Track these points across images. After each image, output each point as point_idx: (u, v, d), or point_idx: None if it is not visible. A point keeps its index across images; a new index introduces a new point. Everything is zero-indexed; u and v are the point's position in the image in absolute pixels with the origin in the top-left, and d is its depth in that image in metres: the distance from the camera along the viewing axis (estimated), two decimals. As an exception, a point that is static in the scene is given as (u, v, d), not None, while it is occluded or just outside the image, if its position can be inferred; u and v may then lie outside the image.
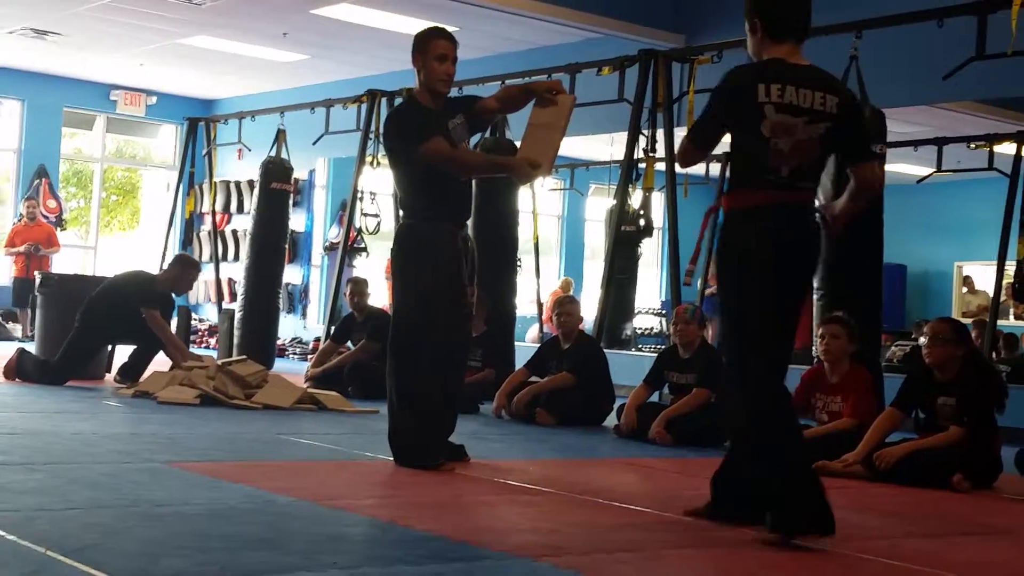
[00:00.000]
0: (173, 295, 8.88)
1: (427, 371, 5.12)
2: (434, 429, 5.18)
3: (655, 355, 8.26)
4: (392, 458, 5.20)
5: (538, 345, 9.16)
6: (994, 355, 10.82)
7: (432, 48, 5.15)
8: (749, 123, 3.88)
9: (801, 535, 3.79)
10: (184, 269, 8.88)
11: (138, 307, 8.37)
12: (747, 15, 4.06)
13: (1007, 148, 10.40)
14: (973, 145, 10.64)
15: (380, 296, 14.20)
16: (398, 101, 11.02)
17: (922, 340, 5.99)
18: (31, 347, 9.36)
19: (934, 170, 10.89)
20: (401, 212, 5.40)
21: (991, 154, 10.49)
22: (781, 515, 3.80)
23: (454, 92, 9.41)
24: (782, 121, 3.85)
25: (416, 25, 11.80)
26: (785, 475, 3.85)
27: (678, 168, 9.27)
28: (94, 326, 8.48)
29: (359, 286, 9.63)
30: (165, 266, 12.86)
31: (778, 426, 3.93)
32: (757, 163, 3.90)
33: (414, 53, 5.19)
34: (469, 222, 5.51)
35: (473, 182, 5.46)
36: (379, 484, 4.88)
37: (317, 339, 13.25)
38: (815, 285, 7.50)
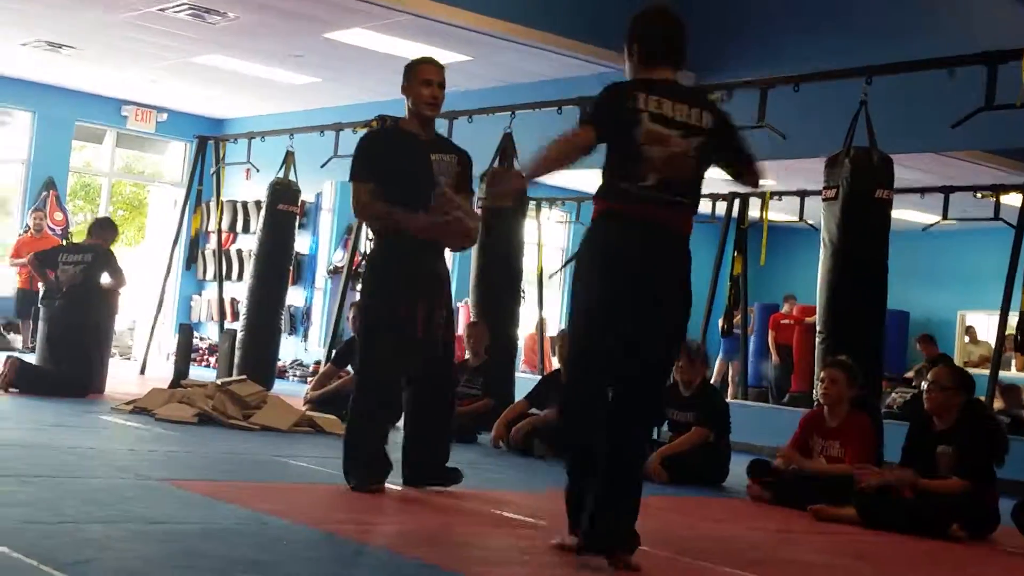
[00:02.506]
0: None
1: (369, 392, 5.13)
2: (365, 449, 5.11)
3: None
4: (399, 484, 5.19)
5: (539, 377, 9.16)
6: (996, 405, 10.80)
7: (418, 73, 5.21)
8: (624, 129, 3.90)
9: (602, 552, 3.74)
10: (103, 232, 9.43)
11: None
12: (626, 40, 4.13)
13: (1013, 199, 10.39)
14: (979, 195, 10.64)
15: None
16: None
17: (923, 385, 5.98)
18: (31, 358, 9.36)
19: (940, 218, 10.90)
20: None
21: (997, 204, 10.49)
22: (589, 531, 3.76)
23: (464, 122, 9.50)
24: (656, 131, 3.88)
25: (428, 53, 11.85)
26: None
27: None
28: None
29: (362, 311, 9.63)
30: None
31: (585, 431, 3.94)
32: (626, 170, 3.92)
33: (403, 82, 5.24)
34: (474, 251, 5.49)
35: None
36: (373, 510, 4.86)
37: (317, 362, 13.23)
38: (819, 328, 7.50)
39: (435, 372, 5.25)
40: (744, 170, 4.15)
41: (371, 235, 5.32)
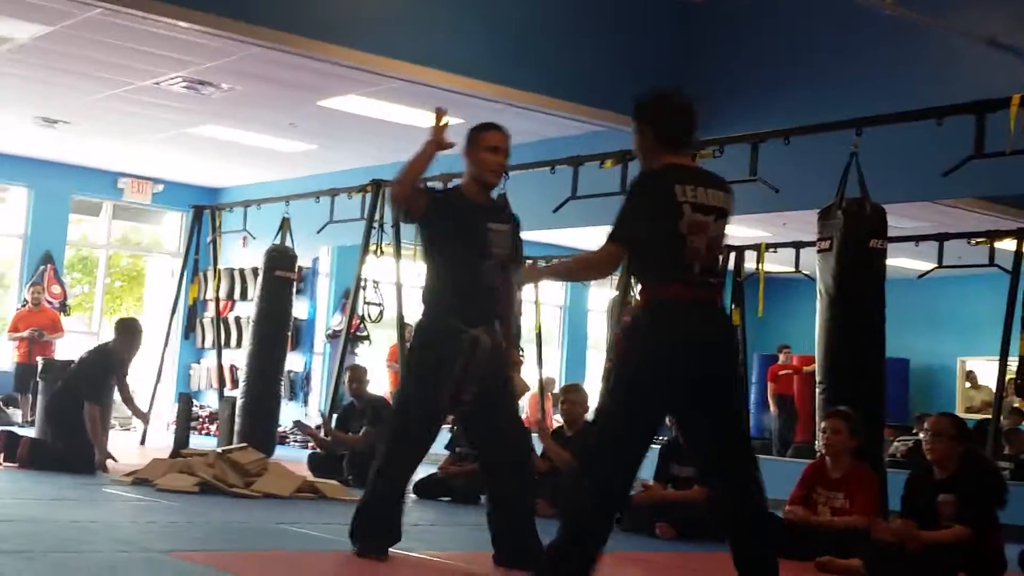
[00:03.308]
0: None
1: (392, 463, 5.10)
2: (380, 516, 5.10)
3: (658, 447, 8.22)
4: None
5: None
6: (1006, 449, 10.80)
7: (483, 139, 5.17)
8: (668, 222, 4.05)
9: None
10: (133, 337, 8.94)
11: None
12: (641, 120, 4.28)
13: (1008, 244, 10.43)
14: (974, 241, 10.68)
15: (380, 383, 14.16)
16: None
17: (922, 435, 5.97)
18: (30, 432, 9.34)
19: (935, 265, 10.92)
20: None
21: (992, 250, 10.52)
22: None
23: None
24: (697, 220, 4.06)
25: (421, 117, 11.95)
26: None
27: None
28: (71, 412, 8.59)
29: (358, 373, 9.63)
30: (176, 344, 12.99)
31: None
32: (673, 260, 4.06)
33: (465, 146, 5.19)
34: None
35: (504, 284, 5.18)
36: (378, 576, 4.84)
37: (318, 427, 13.18)
38: (819, 379, 7.50)
39: (506, 449, 5.14)
40: None
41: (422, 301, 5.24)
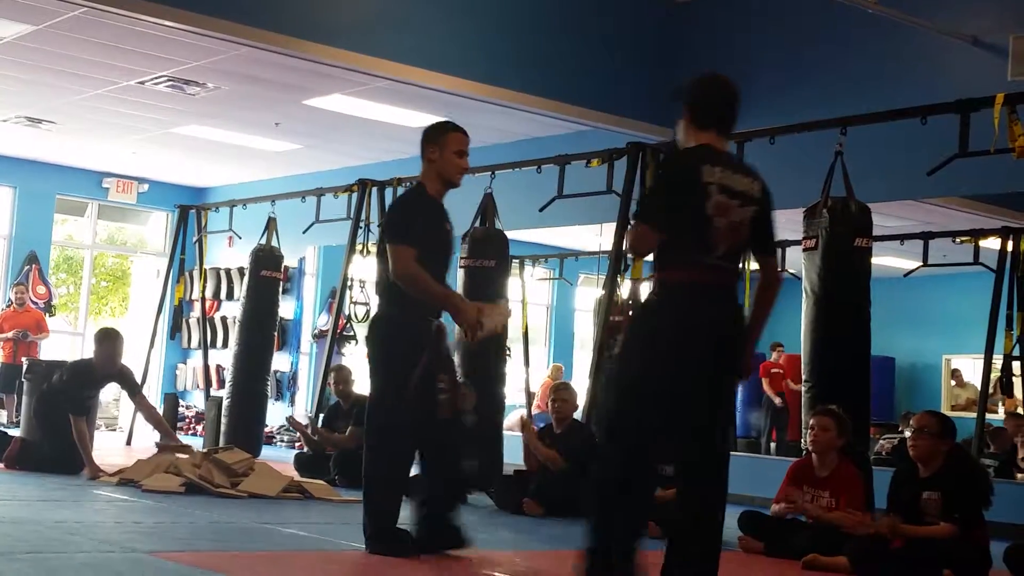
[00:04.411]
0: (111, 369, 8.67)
1: (396, 457, 5.12)
2: (392, 519, 5.13)
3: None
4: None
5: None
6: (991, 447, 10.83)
7: (451, 141, 5.22)
8: (696, 202, 4.02)
9: None
10: (112, 344, 8.67)
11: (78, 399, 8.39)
12: (681, 102, 4.30)
13: (992, 243, 10.48)
14: (958, 240, 10.72)
15: (367, 383, 14.14)
16: (388, 191, 11.09)
17: (907, 433, 5.98)
18: (15, 433, 9.30)
19: (920, 264, 10.96)
20: (378, 299, 5.36)
21: (976, 248, 10.57)
22: None
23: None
24: (723, 202, 4.04)
25: (407, 116, 11.95)
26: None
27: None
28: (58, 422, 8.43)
29: (342, 373, 9.61)
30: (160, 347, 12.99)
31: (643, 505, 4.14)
32: (696, 240, 4.04)
33: (428, 144, 5.23)
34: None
35: (449, 273, 5.40)
36: None
37: (305, 425, 13.16)
38: (804, 377, 7.51)
39: (440, 432, 5.21)
40: (765, 265, 4.35)
41: (379, 295, 5.30)
